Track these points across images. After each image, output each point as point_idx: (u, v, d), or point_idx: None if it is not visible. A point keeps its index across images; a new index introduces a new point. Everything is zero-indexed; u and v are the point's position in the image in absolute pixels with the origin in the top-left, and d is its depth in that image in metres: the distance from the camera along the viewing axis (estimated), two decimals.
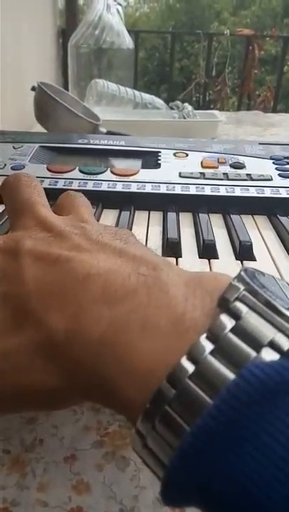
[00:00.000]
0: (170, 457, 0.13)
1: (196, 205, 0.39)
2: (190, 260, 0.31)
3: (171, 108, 0.95)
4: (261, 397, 0.12)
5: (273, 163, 0.44)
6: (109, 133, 0.73)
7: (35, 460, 0.23)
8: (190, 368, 0.13)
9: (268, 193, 0.39)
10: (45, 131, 0.76)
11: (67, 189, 0.38)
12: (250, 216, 0.38)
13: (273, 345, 0.13)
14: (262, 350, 0.13)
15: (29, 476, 0.22)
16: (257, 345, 0.13)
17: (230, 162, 0.44)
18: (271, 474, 0.11)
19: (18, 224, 0.23)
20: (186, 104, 0.94)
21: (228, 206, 0.38)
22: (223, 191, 0.39)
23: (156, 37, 4.24)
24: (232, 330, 0.13)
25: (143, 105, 0.98)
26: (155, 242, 0.34)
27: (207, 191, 0.39)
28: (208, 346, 0.13)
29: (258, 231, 0.36)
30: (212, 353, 0.13)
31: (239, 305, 0.14)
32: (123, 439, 0.23)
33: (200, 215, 0.37)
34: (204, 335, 0.13)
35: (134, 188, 0.39)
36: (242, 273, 0.15)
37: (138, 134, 0.55)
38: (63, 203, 0.25)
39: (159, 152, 0.46)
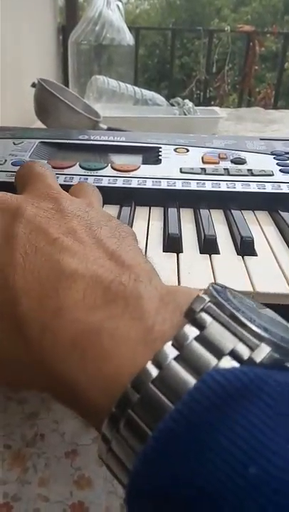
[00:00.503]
0: (133, 462, 0.13)
1: (197, 200, 0.39)
2: (191, 256, 0.31)
3: (172, 104, 0.95)
4: (221, 402, 0.12)
5: (274, 158, 0.44)
6: (109, 129, 0.73)
7: (36, 455, 0.22)
8: (154, 372, 0.13)
9: (269, 188, 0.39)
10: (45, 127, 0.76)
11: (68, 185, 0.38)
12: (252, 212, 0.38)
13: (234, 354, 0.13)
14: (223, 358, 0.13)
15: (30, 471, 0.22)
16: (219, 353, 0.13)
17: (231, 158, 0.44)
18: (230, 478, 0.11)
19: (25, 189, 0.24)
20: (186, 101, 0.93)
21: (229, 202, 0.38)
22: (224, 187, 0.39)
23: (156, 34, 4.23)
24: (196, 338, 0.14)
25: (143, 102, 0.98)
26: (156, 238, 0.34)
27: (208, 187, 0.39)
28: (173, 353, 0.14)
29: (259, 226, 0.36)
30: (176, 359, 0.13)
31: (204, 315, 0.14)
32: None
33: (201, 210, 0.37)
34: (170, 342, 0.14)
35: (134, 183, 0.39)
36: (210, 287, 0.16)
37: (138, 130, 0.55)
38: (76, 188, 0.26)
39: (160, 148, 0.46)
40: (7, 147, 0.44)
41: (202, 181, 0.39)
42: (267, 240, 0.34)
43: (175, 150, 0.45)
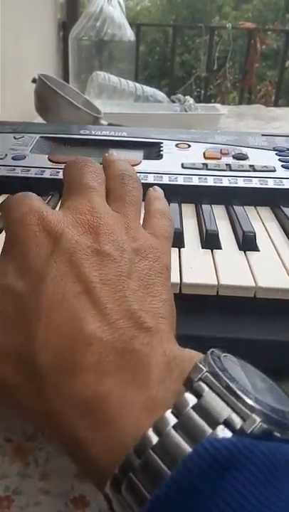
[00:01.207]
0: None
1: (199, 196, 0.38)
2: (193, 251, 0.31)
3: (173, 101, 0.95)
4: (211, 471, 0.13)
5: (276, 154, 0.44)
6: (110, 125, 0.73)
7: (37, 449, 0.22)
8: (154, 439, 0.14)
9: (271, 184, 0.39)
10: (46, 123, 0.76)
11: None
12: (253, 207, 0.38)
13: (227, 424, 0.14)
14: (217, 428, 0.14)
15: (31, 465, 0.22)
16: (213, 422, 0.14)
17: (233, 153, 0.43)
18: None
19: (69, 197, 0.23)
20: (187, 97, 0.93)
21: (231, 197, 0.38)
22: (226, 182, 0.39)
23: (157, 31, 4.21)
24: (193, 407, 0.15)
25: (144, 98, 0.97)
26: None
27: (210, 182, 0.39)
28: (172, 421, 0.14)
29: (261, 222, 0.36)
30: (174, 427, 0.14)
31: (201, 385, 0.15)
32: None
33: (203, 205, 0.37)
34: (169, 410, 0.15)
35: None
36: (209, 356, 0.16)
37: (139, 127, 0.55)
38: (118, 184, 0.25)
39: (161, 143, 0.45)
40: (8, 141, 0.44)
41: (204, 177, 0.39)
42: (269, 235, 0.34)
43: (177, 145, 0.45)
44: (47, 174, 0.39)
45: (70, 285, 0.19)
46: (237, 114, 1.08)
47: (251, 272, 0.28)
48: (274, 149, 0.45)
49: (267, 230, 0.34)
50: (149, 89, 0.98)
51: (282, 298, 0.27)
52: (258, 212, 0.38)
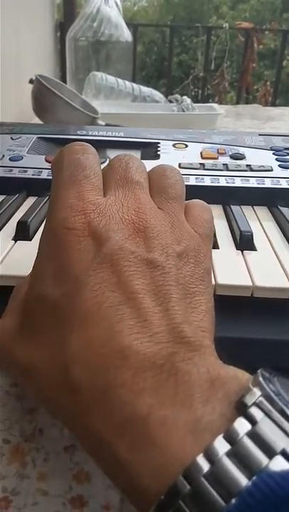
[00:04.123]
0: None
1: (196, 195, 0.38)
2: None
3: (170, 101, 0.95)
4: (271, 507, 0.12)
5: (273, 153, 0.44)
6: (107, 126, 0.73)
7: (35, 450, 0.22)
8: (205, 466, 0.13)
9: (268, 183, 0.39)
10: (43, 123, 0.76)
11: None
12: (251, 207, 0.38)
13: (285, 454, 0.13)
14: (274, 458, 0.13)
15: (29, 465, 0.22)
16: (270, 452, 0.13)
17: (230, 153, 0.43)
18: None
19: (111, 187, 0.22)
20: (184, 97, 0.93)
21: (228, 197, 0.38)
22: (223, 182, 0.39)
23: (154, 31, 4.22)
24: (247, 434, 0.14)
25: (142, 98, 0.97)
26: None
27: (207, 182, 0.39)
28: (224, 447, 0.14)
29: (259, 222, 0.36)
30: (228, 454, 0.13)
31: (256, 411, 0.14)
32: None
33: None
34: (221, 435, 0.14)
35: None
36: (260, 377, 0.15)
37: (137, 127, 0.55)
38: (160, 178, 0.24)
39: (159, 143, 0.45)
40: (5, 142, 0.44)
41: (201, 176, 0.39)
42: (266, 234, 0.34)
43: (174, 145, 0.45)
44: (44, 175, 0.39)
45: (109, 294, 0.17)
46: (234, 113, 1.08)
47: (248, 271, 0.28)
48: (271, 149, 0.45)
49: (264, 230, 0.35)
50: (146, 90, 0.98)
51: (279, 297, 0.27)
52: (255, 212, 0.38)
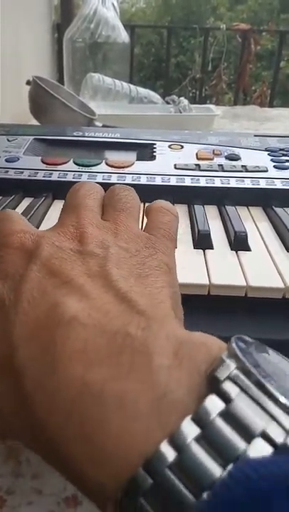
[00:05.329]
0: None
1: (192, 196, 0.39)
2: (185, 250, 0.31)
3: (167, 102, 0.95)
4: (252, 503, 0.10)
5: (268, 154, 0.44)
6: (104, 127, 0.73)
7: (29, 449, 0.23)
8: (171, 455, 0.11)
9: (263, 184, 0.39)
10: (39, 124, 0.76)
11: (62, 181, 0.38)
12: (246, 208, 0.38)
13: (266, 437, 0.11)
14: (253, 442, 0.11)
15: (24, 464, 0.22)
16: (248, 435, 0.11)
17: (225, 154, 0.44)
18: None
19: (59, 221, 0.22)
20: (182, 99, 0.93)
21: (223, 197, 0.38)
22: (218, 183, 0.39)
23: (151, 32, 4.22)
24: (221, 414, 0.12)
25: (139, 99, 0.98)
26: None
27: (202, 183, 0.39)
28: (193, 431, 0.12)
29: (253, 222, 0.36)
30: (197, 439, 0.11)
31: (230, 386, 0.12)
32: None
33: (195, 206, 0.37)
34: (189, 417, 0.12)
35: (129, 179, 0.39)
36: (234, 345, 0.13)
37: (134, 128, 0.55)
38: (110, 197, 0.24)
39: (154, 144, 0.46)
40: (1, 144, 0.44)
41: (196, 177, 0.39)
42: (261, 235, 0.34)
43: (169, 146, 0.45)
44: (40, 176, 0.39)
45: (52, 280, 0.17)
46: (231, 114, 1.08)
47: (242, 271, 0.29)
48: (266, 150, 0.45)
49: (259, 230, 0.35)
50: (143, 91, 0.99)
51: (272, 297, 0.27)
52: (250, 213, 0.38)
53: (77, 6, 1.58)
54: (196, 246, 0.32)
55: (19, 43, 1.09)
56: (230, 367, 0.13)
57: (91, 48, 1.13)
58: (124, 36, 1.17)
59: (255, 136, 0.49)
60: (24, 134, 0.47)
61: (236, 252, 0.31)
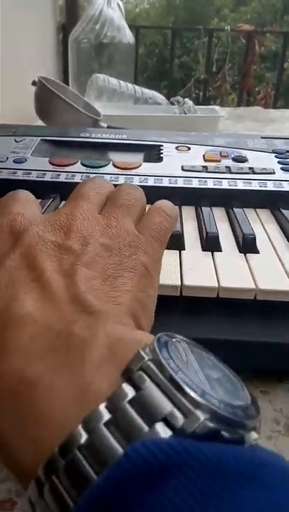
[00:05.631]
0: None
1: (199, 198, 0.39)
2: (193, 253, 0.31)
3: (172, 103, 0.95)
4: (142, 480, 0.11)
5: (275, 156, 0.44)
6: (109, 128, 0.73)
7: None
8: (83, 437, 0.13)
9: (270, 186, 0.39)
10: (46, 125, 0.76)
11: (70, 183, 0.38)
12: (253, 210, 0.38)
13: (168, 421, 0.12)
14: (155, 425, 0.12)
15: None
16: (151, 419, 0.12)
17: (232, 156, 0.44)
18: None
19: (65, 204, 0.23)
20: (186, 100, 0.93)
21: (230, 199, 0.38)
22: (225, 184, 0.39)
23: (156, 33, 4.23)
24: (130, 401, 0.13)
25: (144, 100, 0.98)
26: None
27: (210, 184, 0.39)
28: (105, 416, 0.13)
29: (261, 224, 0.36)
30: (106, 423, 0.13)
31: (140, 375, 0.14)
32: None
33: (203, 208, 0.37)
34: (103, 404, 0.13)
35: (136, 181, 0.39)
36: (155, 341, 0.15)
37: (139, 129, 0.55)
38: (115, 193, 0.25)
39: (161, 146, 0.46)
40: (9, 145, 0.44)
41: (204, 179, 0.39)
42: (269, 237, 0.34)
43: (176, 148, 0.45)
44: (48, 177, 0.39)
45: (24, 273, 0.18)
46: (236, 116, 1.08)
47: (251, 274, 0.29)
48: (273, 152, 0.45)
49: (267, 232, 0.35)
50: (148, 92, 0.99)
51: (282, 300, 0.27)
52: (257, 215, 0.38)
53: (83, 6, 1.58)
54: (204, 248, 0.32)
55: (24, 44, 1.09)
56: (144, 359, 0.14)
57: (96, 49, 1.14)
58: (129, 37, 1.17)
59: (262, 138, 0.49)
60: (31, 134, 0.47)
61: (245, 255, 0.31)
